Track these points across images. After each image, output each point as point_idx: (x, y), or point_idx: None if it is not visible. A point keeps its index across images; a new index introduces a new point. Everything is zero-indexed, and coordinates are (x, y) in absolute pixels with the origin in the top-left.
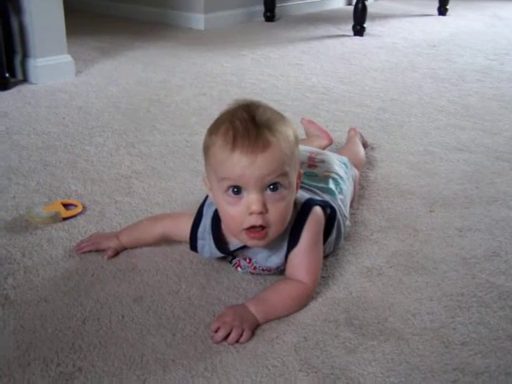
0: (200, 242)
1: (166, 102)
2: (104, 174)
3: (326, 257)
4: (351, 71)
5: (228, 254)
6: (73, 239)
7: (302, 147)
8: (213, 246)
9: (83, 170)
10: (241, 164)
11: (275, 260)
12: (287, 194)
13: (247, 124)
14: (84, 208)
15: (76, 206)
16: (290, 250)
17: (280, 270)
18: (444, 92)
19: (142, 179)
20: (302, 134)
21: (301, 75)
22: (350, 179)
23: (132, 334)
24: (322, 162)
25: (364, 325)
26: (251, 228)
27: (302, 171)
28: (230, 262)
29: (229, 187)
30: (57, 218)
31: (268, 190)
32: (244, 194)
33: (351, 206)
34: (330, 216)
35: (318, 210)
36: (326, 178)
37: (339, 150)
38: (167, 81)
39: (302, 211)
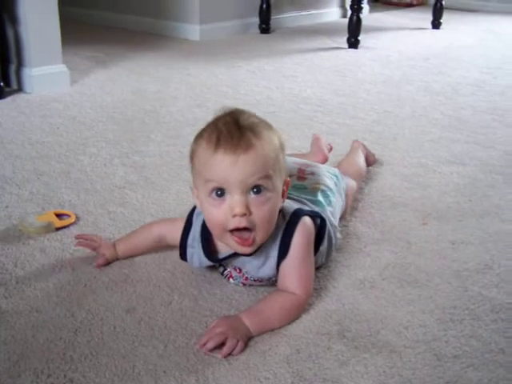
0: (189, 251)
1: (161, 112)
2: (97, 184)
3: (318, 268)
4: (345, 83)
5: (216, 262)
6: (65, 249)
7: (292, 159)
8: (202, 254)
9: (77, 180)
10: (223, 164)
11: (266, 271)
12: (271, 196)
13: (230, 126)
14: (77, 218)
15: (69, 216)
16: (281, 261)
17: (272, 282)
18: (438, 105)
19: (136, 190)
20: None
21: (295, 87)
22: (341, 191)
23: (124, 345)
24: (312, 174)
25: (356, 337)
26: (237, 232)
27: (289, 179)
28: (222, 274)
29: (213, 189)
30: (50, 228)
31: (252, 192)
32: (227, 196)
33: (343, 218)
34: (321, 226)
35: (307, 219)
36: (314, 191)
37: (339, 161)
38: (162, 91)
39: (290, 221)
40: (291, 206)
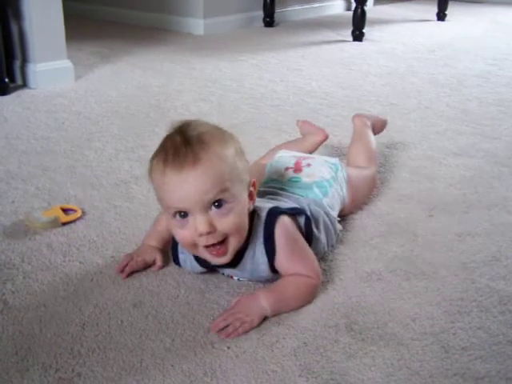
0: (181, 256)
1: (166, 106)
2: (103, 178)
3: (323, 260)
4: (350, 76)
5: (209, 268)
6: (72, 244)
7: (289, 153)
8: (193, 260)
9: (82, 175)
10: (174, 183)
11: (262, 274)
12: (233, 206)
13: (177, 143)
14: (83, 213)
15: (75, 211)
16: (273, 262)
17: (274, 279)
18: (443, 97)
19: (141, 184)
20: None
21: (300, 80)
22: (342, 181)
23: (131, 339)
24: (308, 165)
25: (364, 330)
26: (207, 247)
27: (255, 180)
28: (223, 274)
29: (175, 213)
30: (56, 223)
31: (213, 207)
32: (190, 216)
33: (348, 211)
34: (307, 221)
35: (283, 217)
36: (309, 183)
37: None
38: (166, 86)
39: (267, 221)
40: (265, 204)
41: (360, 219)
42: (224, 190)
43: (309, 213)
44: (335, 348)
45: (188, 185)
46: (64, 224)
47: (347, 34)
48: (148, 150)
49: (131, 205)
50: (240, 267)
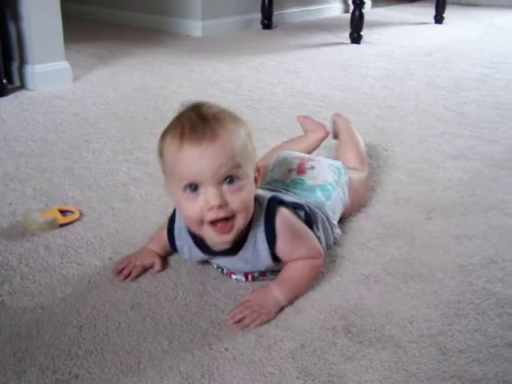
0: (178, 243)
1: (164, 108)
2: (101, 180)
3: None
4: (348, 79)
5: (208, 255)
6: (69, 246)
7: (292, 153)
8: (191, 243)
9: (80, 177)
10: (191, 157)
11: (263, 262)
12: (245, 184)
13: (193, 119)
14: (81, 214)
15: (73, 212)
16: (274, 248)
17: (273, 278)
18: (441, 100)
19: (139, 186)
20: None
21: (298, 82)
22: (344, 186)
23: (129, 340)
24: (312, 168)
25: (361, 332)
26: (216, 221)
27: (260, 166)
28: (222, 273)
29: (186, 186)
30: (54, 225)
31: (225, 183)
32: (201, 190)
33: (349, 215)
34: (306, 215)
35: (283, 209)
36: (313, 186)
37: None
38: (165, 88)
39: (268, 208)
40: (265, 193)
41: (358, 221)
42: (237, 167)
43: (308, 210)
44: (333, 350)
45: (205, 158)
46: (62, 225)
47: (345, 36)
48: (146, 152)
49: (129, 206)
50: (240, 255)
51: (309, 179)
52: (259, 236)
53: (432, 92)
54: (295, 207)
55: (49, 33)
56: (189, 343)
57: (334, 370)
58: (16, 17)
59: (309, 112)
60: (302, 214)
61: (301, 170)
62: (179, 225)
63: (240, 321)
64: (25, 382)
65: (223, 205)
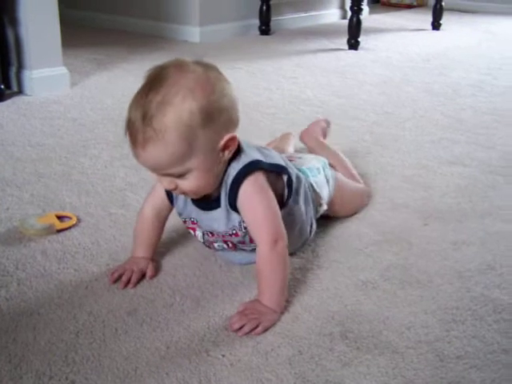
0: (173, 195)
1: None
2: (98, 186)
3: (318, 266)
4: (346, 85)
5: (196, 205)
6: (67, 251)
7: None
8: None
9: (77, 182)
10: (135, 154)
11: (235, 223)
12: (190, 174)
13: (136, 117)
14: (78, 220)
15: (70, 218)
16: (235, 201)
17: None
18: (438, 106)
19: (137, 191)
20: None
21: (296, 88)
22: (329, 178)
23: (126, 346)
24: (300, 158)
25: (359, 338)
26: None
27: (234, 134)
28: (204, 243)
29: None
30: (51, 230)
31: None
32: None
33: (336, 214)
34: (289, 181)
35: (258, 173)
36: (300, 166)
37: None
38: None
39: (241, 171)
40: (252, 155)
41: (355, 227)
42: (172, 168)
43: (291, 174)
44: (330, 356)
45: (141, 160)
46: (59, 231)
47: (343, 42)
48: None
49: (126, 212)
50: (219, 211)
51: (297, 165)
52: (224, 198)
53: (429, 98)
54: (279, 171)
55: (47, 38)
56: (186, 349)
57: (331, 376)
58: (14, 22)
59: (306, 118)
60: (285, 178)
61: (290, 159)
62: None
63: (240, 328)
64: None
65: (173, 188)
